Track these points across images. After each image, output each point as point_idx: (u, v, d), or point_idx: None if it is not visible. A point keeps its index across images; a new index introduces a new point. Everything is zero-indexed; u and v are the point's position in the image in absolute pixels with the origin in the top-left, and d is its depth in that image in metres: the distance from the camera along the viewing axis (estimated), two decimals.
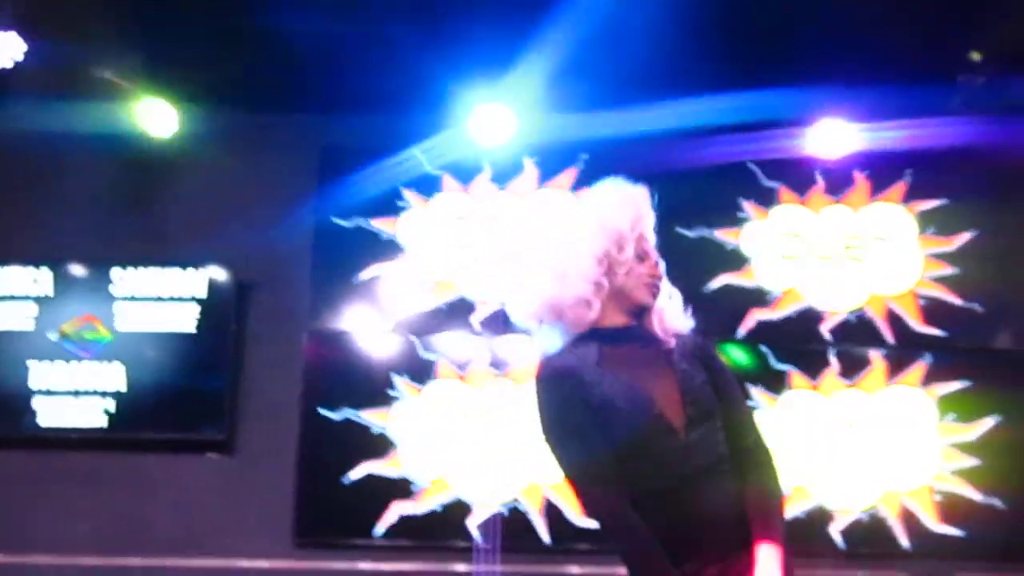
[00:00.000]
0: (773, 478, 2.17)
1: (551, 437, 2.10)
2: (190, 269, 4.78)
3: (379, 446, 4.68)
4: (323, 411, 4.68)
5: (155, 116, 4.75)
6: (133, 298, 4.74)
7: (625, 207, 2.20)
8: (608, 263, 2.15)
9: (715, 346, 2.30)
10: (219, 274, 4.79)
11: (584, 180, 5.02)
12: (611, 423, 2.06)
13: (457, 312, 4.89)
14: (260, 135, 4.97)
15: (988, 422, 4.81)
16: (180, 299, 4.75)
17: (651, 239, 2.21)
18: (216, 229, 4.88)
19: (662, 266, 2.19)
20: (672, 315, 2.24)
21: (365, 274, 4.90)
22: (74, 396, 4.64)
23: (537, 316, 2.21)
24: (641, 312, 2.18)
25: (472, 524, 4.61)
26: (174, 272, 4.78)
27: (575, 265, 2.15)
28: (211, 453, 4.71)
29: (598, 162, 5.02)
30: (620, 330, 2.17)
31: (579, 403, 2.07)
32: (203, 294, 4.74)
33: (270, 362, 4.84)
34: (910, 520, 4.71)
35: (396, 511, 4.60)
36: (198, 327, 4.72)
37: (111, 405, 4.62)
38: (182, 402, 4.67)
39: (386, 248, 4.94)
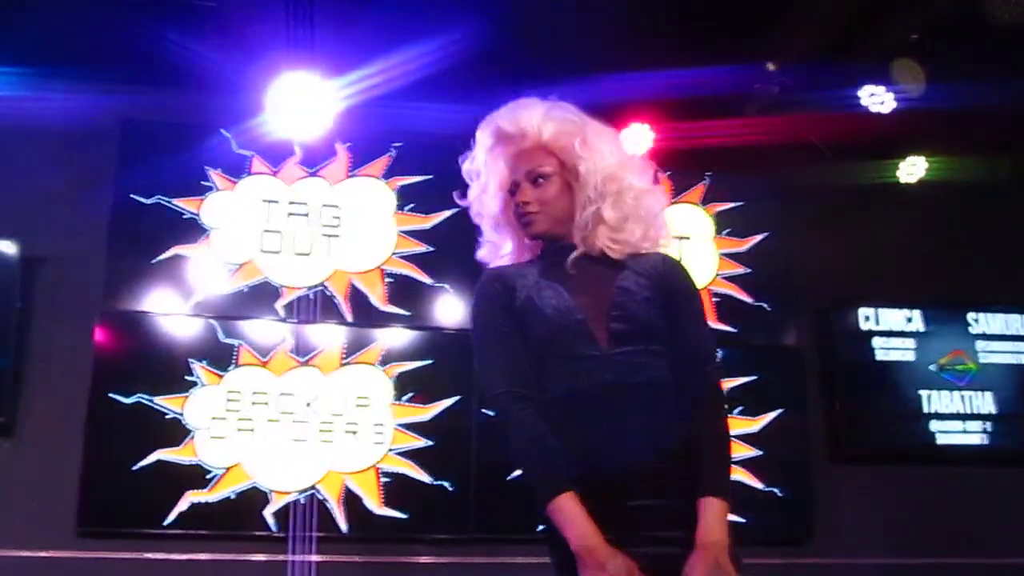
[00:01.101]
0: (723, 422, 2.12)
1: (472, 330, 2.19)
2: None
3: (173, 433, 4.51)
4: (114, 395, 4.48)
5: None
6: None
7: (479, 142, 2.26)
8: (485, 198, 2.27)
9: (682, 270, 2.23)
10: (5, 247, 4.51)
11: (396, 169, 5.02)
12: (531, 324, 2.12)
13: (261, 297, 4.78)
14: (55, 103, 4.69)
15: (771, 415, 5.09)
16: None
17: (518, 171, 2.20)
18: (3, 199, 4.62)
19: (532, 194, 2.18)
20: (618, 231, 2.17)
21: (165, 254, 4.72)
22: None
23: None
24: (580, 234, 2.18)
25: (268, 513, 4.51)
26: None
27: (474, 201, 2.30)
28: None
29: (410, 151, 5.03)
30: (565, 247, 2.19)
31: (499, 304, 2.16)
32: None
33: (59, 342, 4.59)
34: None
35: (188, 499, 4.46)
36: None
37: None
38: None
39: (188, 228, 4.77)
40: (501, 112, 2.22)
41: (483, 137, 2.24)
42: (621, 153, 2.23)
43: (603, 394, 2.05)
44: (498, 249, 2.30)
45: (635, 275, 2.15)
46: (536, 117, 2.18)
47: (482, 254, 2.33)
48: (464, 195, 2.31)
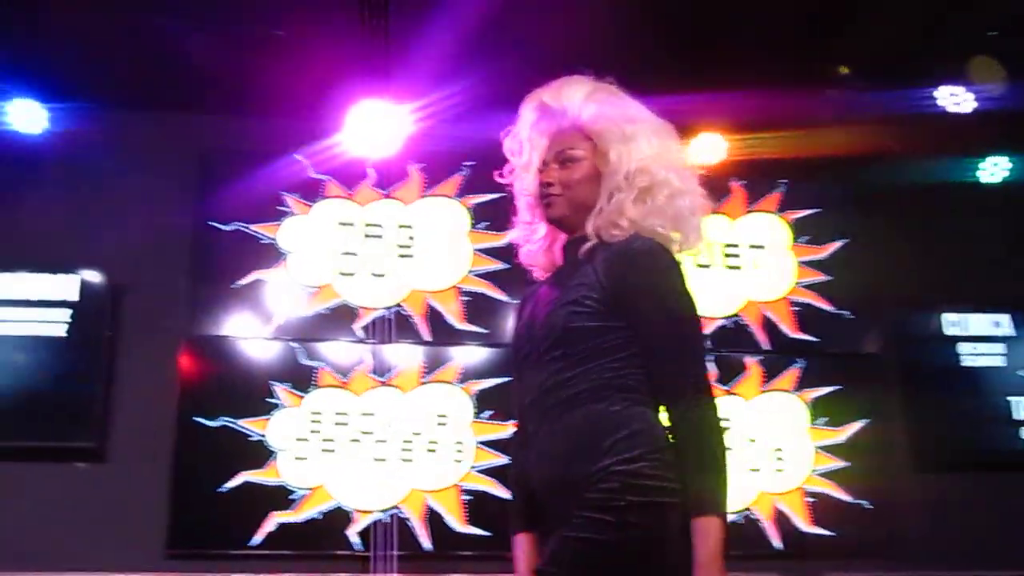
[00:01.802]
0: (700, 434, 1.81)
1: None
2: (60, 275, 4.61)
3: (258, 455, 4.58)
4: (200, 419, 4.56)
5: (24, 113, 4.58)
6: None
7: (522, 116, 2.12)
8: (523, 175, 2.13)
9: (639, 258, 1.90)
10: (93, 277, 4.64)
11: (469, 187, 5.04)
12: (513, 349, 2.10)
13: (339, 318, 4.83)
14: (136, 136, 4.86)
15: (856, 425, 4.99)
16: (51, 303, 4.58)
17: (551, 150, 2.04)
18: (90, 231, 4.75)
19: (557, 175, 2.02)
20: (608, 218, 1.97)
21: (245, 279, 4.80)
22: None
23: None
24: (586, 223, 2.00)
25: (352, 532, 4.55)
26: (45, 275, 4.61)
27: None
28: (80, 462, 4.55)
29: (483, 169, 5.04)
30: (577, 242, 2.02)
31: (515, 329, 2.14)
32: (75, 297, 4.59)
33: (146, 368, 4.69)
34: (782, 521, 4.84)
35: (275, 520, 4.51)
36: (70, 332, 4.55)
37: None
38: (51, 409, 4.48)
39: (267, 253, 4.85)
40: (548, 87, 2.07)
41: (527, 112, 2.09)
42: (662, 146, 2.00)
43: (524, 415, 1.98)
44: (532, 232, 2.15)
45: (592, 268, 1.93)
46: (579, 96, 2.01)
47: (514, 235, 2.19)
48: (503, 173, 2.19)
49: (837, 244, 5.24)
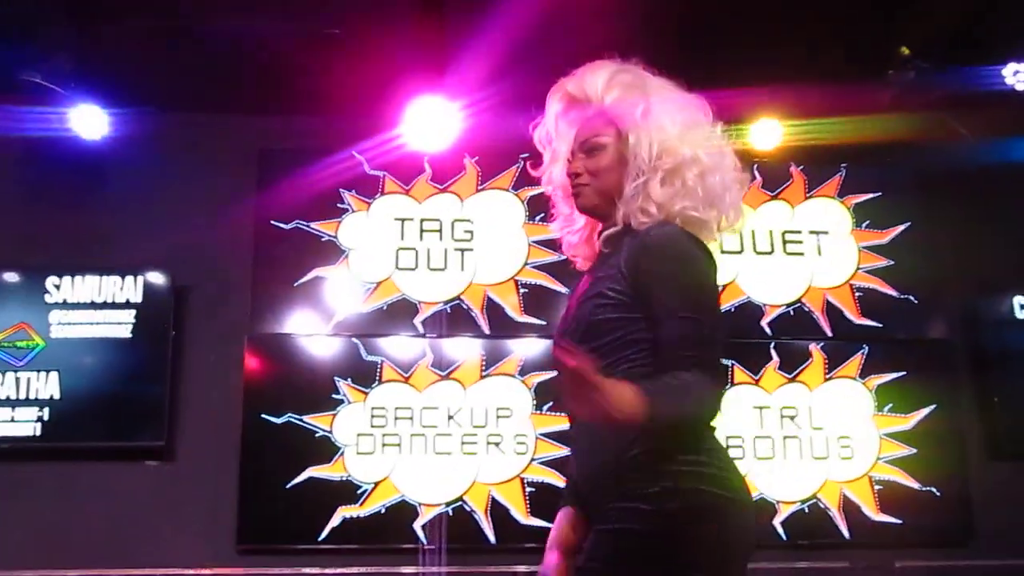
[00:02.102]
0: (676, 388, 1.74)
1: None
2: (124, 276, 4.68)
3: (323, 450, 4.62)
4: (265, 416, 4.62)
5: (86, 119, 4.65)
6: (66, 304, 4.64)
7: (548, 107, 2.11)
8: (553, 167, 2.11)
9: (654, 248, 1.87)
10: (156, 278, 4.71)
11: (524, 180, 5.03)
12: None
13: (400, 314, 4.86)
14: (195, 137, 4.92)
15: (923, 412, 4.91)
16: (116, 305, 4.65)
17: (577, 139, 2.03)
18: (152, 233, 4.80)
19: (583, 164, 1.99)
20: (660, 208, 1.91)
21: (306, 277, 4.84)
22: (7, 406, 4.49)
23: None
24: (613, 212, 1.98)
25: (418, 525, 4.58)
26: (109, 278, 4.69)
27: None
28: (149, 460, 4.63)
29: (538, 163, 5.01)
30: (607, 229, 2.00)
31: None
32: (139, 299, 4.66)
33: (210, 367, 4.77)
34: (850, 510, 4.78)
35: (341, 514, 4.55)
36: (135, 332, 4.63)
37: (45, 414, 4.51)
38: (119, 409, 4.58)
39: (327, 250, 4.89)
40: (571, 76, 2.05)
41: (552, 103, 2.08)
42: (688, 124, 1.95)
43: (566, 411, 2.04)
44: (571, 223, 2.13)
45: (618, 258, 1.90)
46: (601, 81, 1.97)
47: (554, 227, 2.18)
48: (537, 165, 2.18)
49: (900, 228, 5.15)
